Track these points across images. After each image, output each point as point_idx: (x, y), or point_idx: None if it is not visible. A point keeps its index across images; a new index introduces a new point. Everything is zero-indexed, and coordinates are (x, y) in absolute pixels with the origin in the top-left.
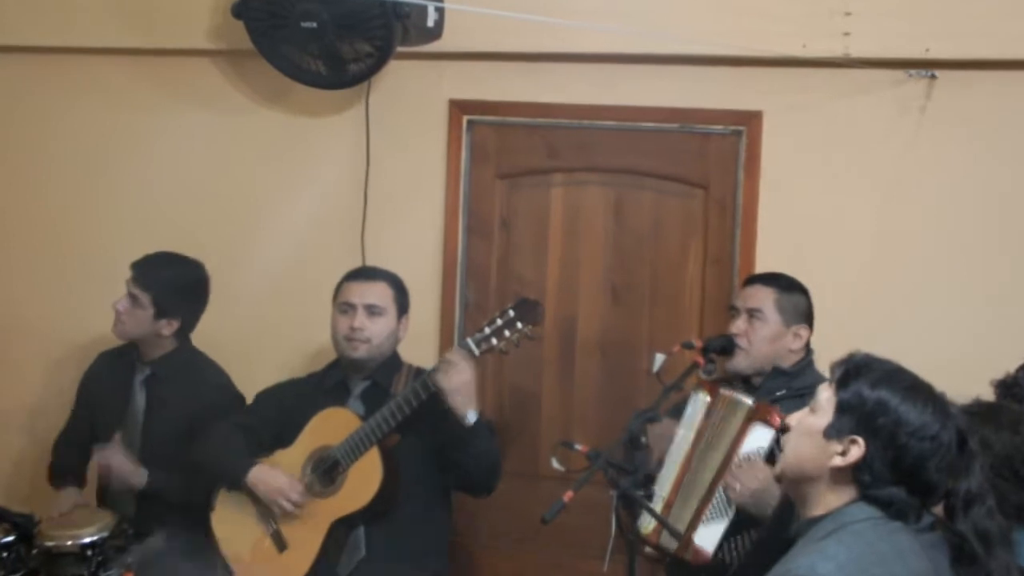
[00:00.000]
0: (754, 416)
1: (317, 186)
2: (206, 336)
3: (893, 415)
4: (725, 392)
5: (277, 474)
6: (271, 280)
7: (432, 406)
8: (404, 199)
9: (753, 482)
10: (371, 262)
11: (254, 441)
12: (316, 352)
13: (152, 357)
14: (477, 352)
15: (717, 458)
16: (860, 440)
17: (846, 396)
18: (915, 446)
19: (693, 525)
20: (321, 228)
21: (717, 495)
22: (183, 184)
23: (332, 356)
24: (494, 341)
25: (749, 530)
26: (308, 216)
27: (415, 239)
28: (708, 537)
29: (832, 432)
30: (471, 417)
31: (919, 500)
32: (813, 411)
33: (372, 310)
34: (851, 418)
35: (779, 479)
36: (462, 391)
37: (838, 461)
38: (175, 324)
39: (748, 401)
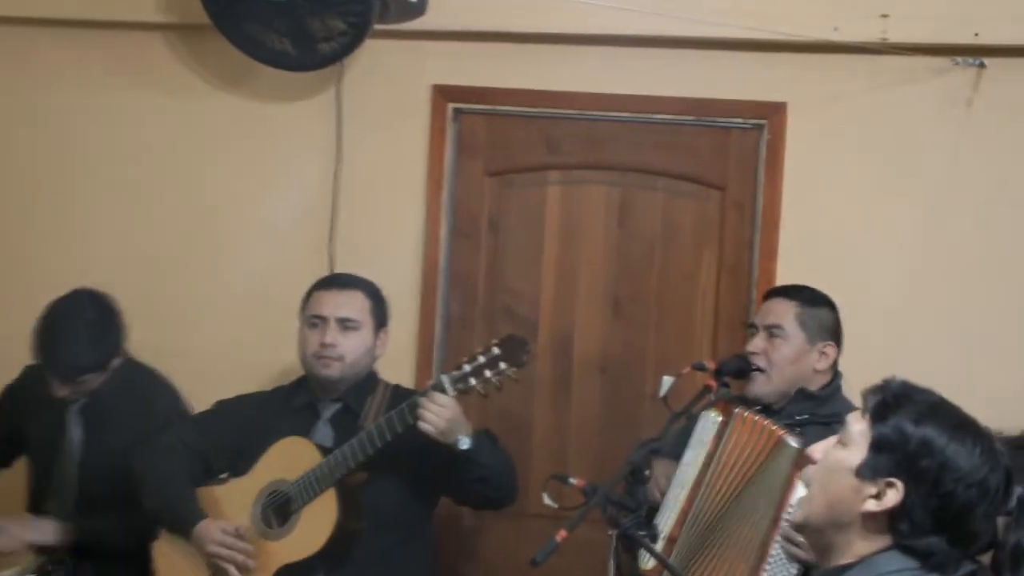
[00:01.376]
0: (800, 462)
1: (281, 182)
2: (153, 352)
3: (939, 457)
4: (746, 414)
5: (222, 535)
6: (228, 288)
7: (413, 437)
8: (380, 197)
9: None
10: (341, 268)
11: (202, 468)
12: (281, 371)
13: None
14: (452, 393)
15: (764, 509)
16: (899, 483)
17: (885, 431)
18: (962, 493)
19: None
20: (285, 229)
21: (774, 551)
22: (129, 176)
23: (299, 374)
24: (472, 382)
25: None
26: (271, 215)
27: (391, 243)
28: None
29: (867, 472)
30: (464, 444)
31: (960, 551)
32: (844, 444)
33: (346, 324)
34: (890, 458)
35: (801, 527)
36: (444, 431)
37: (872, 506)
38: (114, 364)
39: (794, 444)
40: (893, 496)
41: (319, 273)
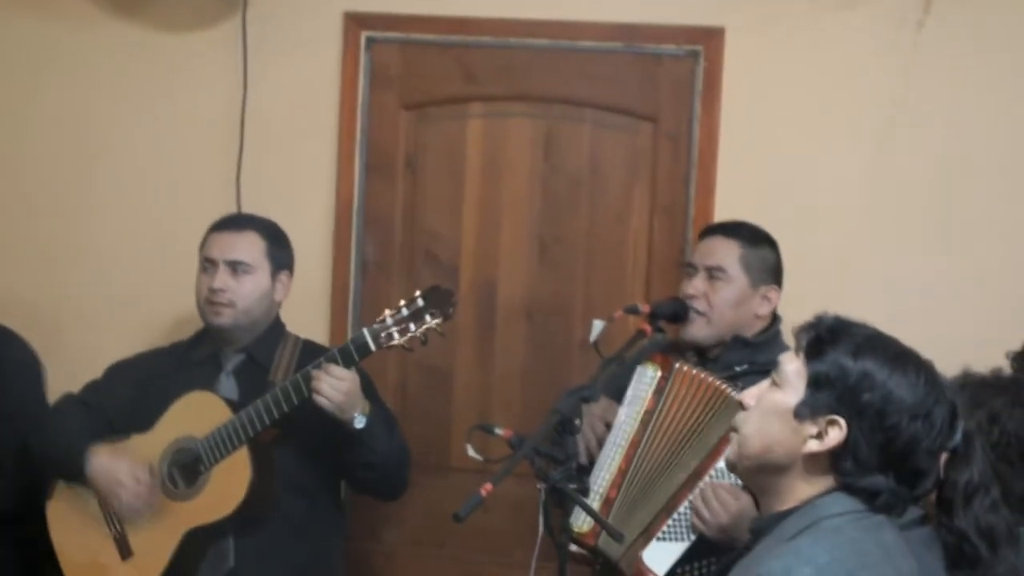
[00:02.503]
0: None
1: (182, 118)
2: (32, 307)
3: (882, 389)
4: (687, 368)
5: (121, 462)
6: (125, 234)
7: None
8: (289, 133)
9: (723, 515)
10: (247, 208)
11: (101, 423)
12: (180, 321)
13: None
14: (374, 347)
15: (688, 464)
16: (841, 420)
17: (822, 367)
18: (907, 427)
19: (645, 538)
20: (188, 169)
21: (681, 509)
22: (14, 111)
23: (200, 326)
24: (395, 336)
25: (710, 558)
26: (171, 154)
27: (302, 182)
28: (660, 558)
29: (805, 411)
30: (359, 422)
31: (908, 490)
32: (778, 385)
33: (237, 267)
34: (829, 394)
35: (732, 468)
36: (341, 405)
37: (814, 446)
38: None
39: (733, 394)
40: (835, 434)
41: (225, 213)
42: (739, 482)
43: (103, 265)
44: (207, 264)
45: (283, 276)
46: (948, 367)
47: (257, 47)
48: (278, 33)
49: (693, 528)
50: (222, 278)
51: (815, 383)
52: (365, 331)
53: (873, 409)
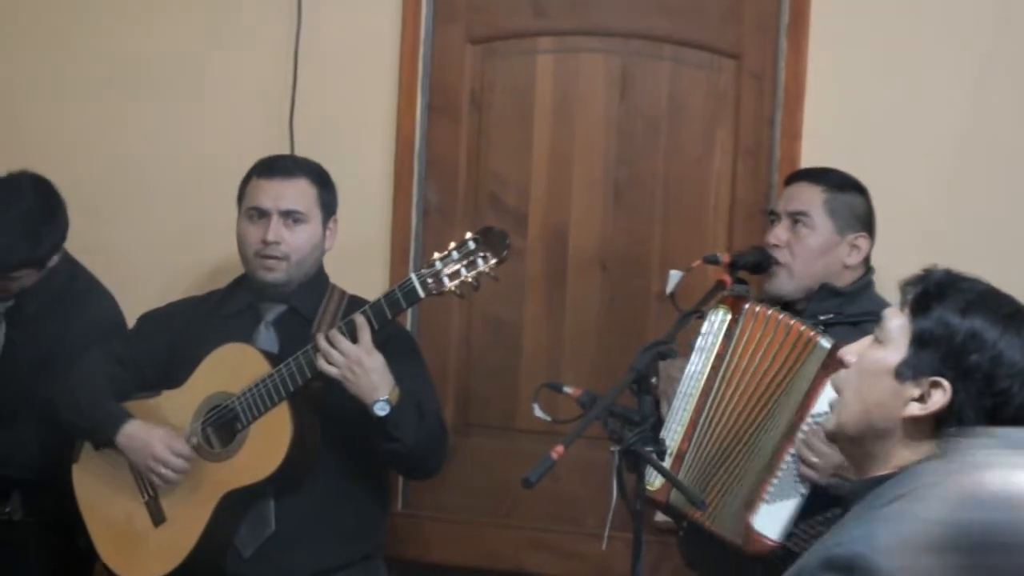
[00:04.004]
0: (830, 365)
1: (230, 54)
2: (83, 252)
3: (991, 350)
4: (758, 308)
5: (154, 435)
6: (169, 178)
7: None
8: (345, 70)
9: (836, 454)
10: (301, 150)
11: (133, 378)
12: (227, 269)
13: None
14: (423, 294)
15: (777, 418)
16: (945, 383)
17: (927, 325)
18: (1019, 391)
19: (750, 505)
20: (237, 109)
21: (784, 466)
22: (50, 47)
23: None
24: (446, 281)
25: (832, 509)
26: (218, 93)
27: (359, 122)
28: (773, 522)
29: (908, 372)
30: (380, 409)
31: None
32: (880, 343)
33: (292, 217)
34: (934, 354)
35: (833, 437)
36: (361, 388)
37: (916, 409)
38: (53, 261)
39: (825, 344)
40: (939, 397)
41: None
42: None
43: (145, 210)
44: (256, 214)
45: (332, 223)
46: None
47: None
48: None
49: (803, 480)
50: (276, 230)
51: (919, 341)
52: (413, 276)
53: (981, 371)
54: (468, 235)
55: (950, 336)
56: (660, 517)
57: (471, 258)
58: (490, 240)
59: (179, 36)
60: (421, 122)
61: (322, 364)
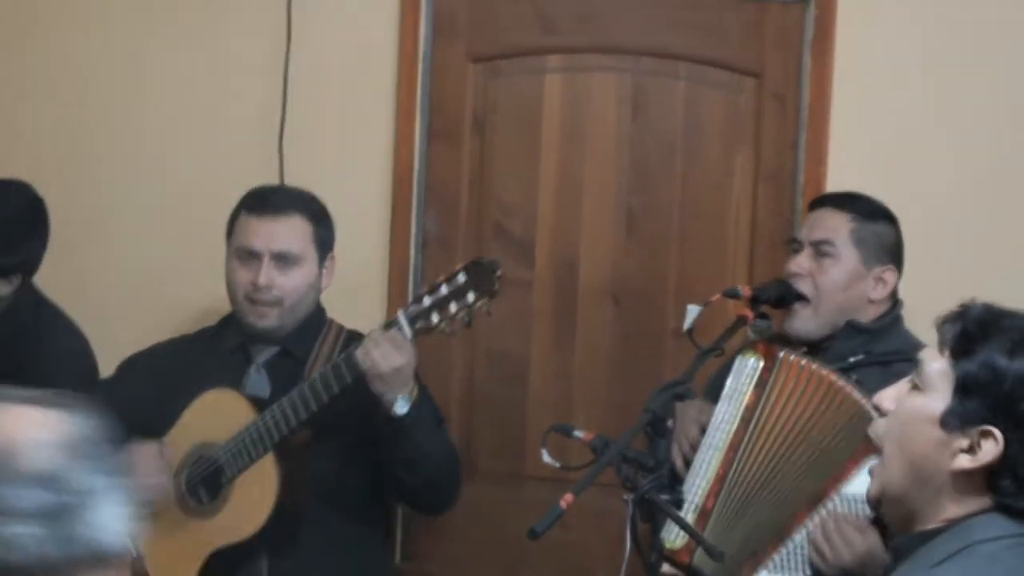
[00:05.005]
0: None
1: (216, 73)
2: (53, 289)
3: None
4: (794, 358)
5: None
6: (148, 209)
7: (359, 390)
8: (340, 90)
9: (847, 555)
10: (293, 177)
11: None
12: (211, 310)
13: None
14: (410, 332)
15: (804, 481)
16: (996, 432)
17: (971, 369)
18: None
19: (752, 563)
20: (222, 133)
21: (797, 537)
22: (25, 55)
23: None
24: (435, 318)
25: None
26: (203, 115)
27: (354, 146)
28: None
29: (954, 421)
30: (400, 406)
31: None
32: (920, 389)
33: (284, 259)
34: (981, 401)
35: (876, 503)
36: (388, 377)
37: (966, 462)
38: (14, 280)
39: (865, 405)
40: (990, 448)
41: (265, 180)
42: (867, 513)
43: (122, 246)
44: (246, 254)
45: (329, 261)
46: None
47: None
48: None
49: (810, 562)
50: (268, 273)
51: (964, 387)
52: (400, 313)
53: None
54: (456, 267)
55: (998, 381)
56: (668, 569)
57: (461, 293)
58: (480, 272)
59: (164, 56)
60: (420, 146)
61: (371, 354)
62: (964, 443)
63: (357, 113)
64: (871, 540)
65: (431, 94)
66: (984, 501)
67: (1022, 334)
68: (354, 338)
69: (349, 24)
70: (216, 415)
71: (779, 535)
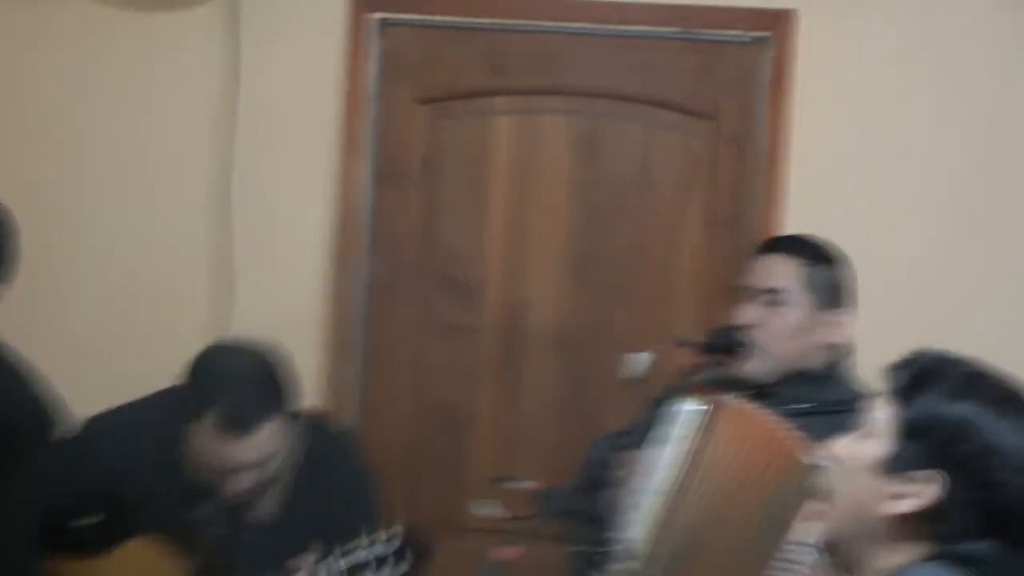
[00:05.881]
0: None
1: (162, 114)
2: None
3: (982, 439)
4: (736, 404)
5: None
6: (89, 261)
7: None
8: (286, 131)
9: None
10: (240, 220)
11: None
12: (156, 372)
13: None
14: None
15: (750, 540)
16: (935, 476)
17: (913, 414)
18: (1014, 481)
19: None
20: (168, 176)
21: None
22: None
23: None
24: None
25: None
26: (147, 158)
27: (300, 187)
28: None
29: (894, 466)
30: None
31: (1019, 556)
32: (866, 436)
33: (263, 469)
34: (920, 446)
35: (830, 548)
36: None
37: (904, 506)
38: None
39: (807, 455)
40: (929, 493)
41: (209, 226)
42: (815, 558)
43: (60, 303)
44: (221, 469)
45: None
46: None
47: (251, 29)
48: (275, 13)
49: None
50: (248, 481)
51: (906, 433)
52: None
53: (973, 462)
54: (389, 530)
55: (938, 425)
56: None
57: (384, 563)
58: (413, 546)
59: (99, 99)
60: (367, 190)
61: None
62: (903, 488)
63: (303, 154)
64: None
65: (378, 136)
66: (922, 548)
67: (966, 378)
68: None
69: (296, 63)
70: (139, 571)
71: None
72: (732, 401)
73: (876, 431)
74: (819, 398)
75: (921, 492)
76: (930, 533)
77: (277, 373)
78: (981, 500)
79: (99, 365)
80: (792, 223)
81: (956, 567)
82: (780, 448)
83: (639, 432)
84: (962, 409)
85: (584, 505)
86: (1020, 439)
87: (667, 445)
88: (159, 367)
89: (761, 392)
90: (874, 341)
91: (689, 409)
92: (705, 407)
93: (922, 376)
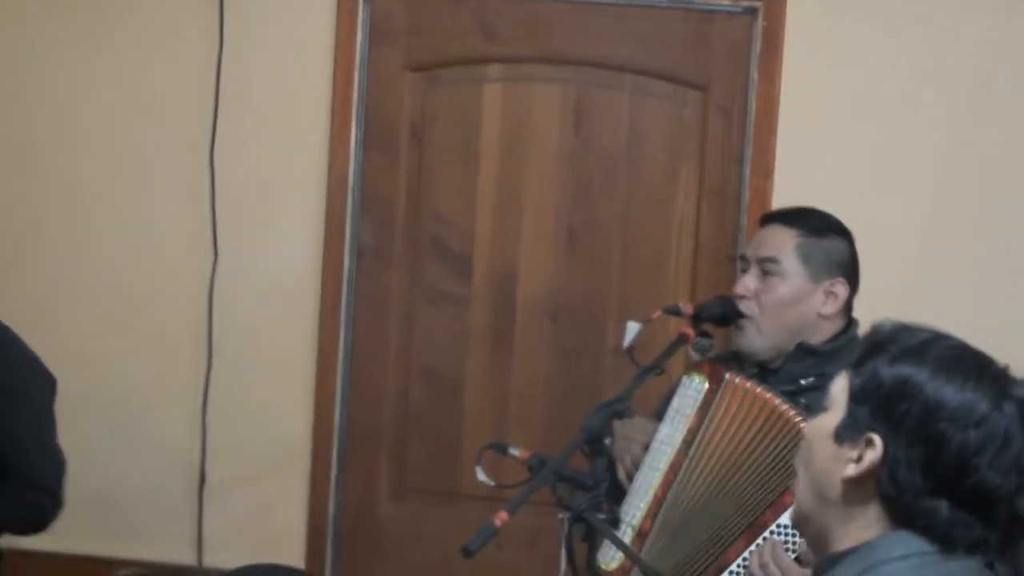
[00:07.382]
0: None
1: (145, 81)
2: None
3: (919, 396)
4: (739, 381)
5: None
6: (77, 225)
7: None
8: (272, 100)
9: (797, 572)
10: (225, 189)
11: None
12: (150, 328)
13: None
14: None
15: (746, 507)
16: (876, 437)
17: (858, 380)
18: (955, 436)
19: None
20: (151, 143)
21: (735, 568)
22: None
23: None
24: None
25: None
26: (131, 124)
27: (288, 158)
28: None
29: (845, 433)
30: None
31: (975, 518)
32: (827, 408)
33: None
34: (865, 409)
35: (799, 523)
36: None
37: (851, 470)
38: None
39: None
40: (871, 454)
41: (195, 196)
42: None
43: (52, 265)
44: None
45: None
46: None
47: None
48: None
49: None
50: None
51: (854, 398)
52: None
53: (911, 419)
54: None
55: (879, 387)
56: None
57: None
58: None
59: (85, 67)
60: (356, 157)
61: None
62: (854, 453)
63: (292, 122)
64: (807, 568)
65: (367, 103)
66: (885, 518)
67: (915, 344)
68: None
69: (284, 30)
70: None
71: (717, 563)
72: (732, 378)
73: (833, 401)
74: (822, 372)
75: (865, 454)
76: (880, 496)
77: None
78: (919, 457)
79: (84, 327)
80: (781, 193)
81: (925, 536)
82: (777, 420)
83: (629, 402)
84: (902, 370)
85: (576, 473)
86: (958, 395)
87: (668, 423)
88: (144, 332)
89: (764, 367)
90: (867, 311)
91: (691, 386)
92: (706, 384)
93: (877, 344)
